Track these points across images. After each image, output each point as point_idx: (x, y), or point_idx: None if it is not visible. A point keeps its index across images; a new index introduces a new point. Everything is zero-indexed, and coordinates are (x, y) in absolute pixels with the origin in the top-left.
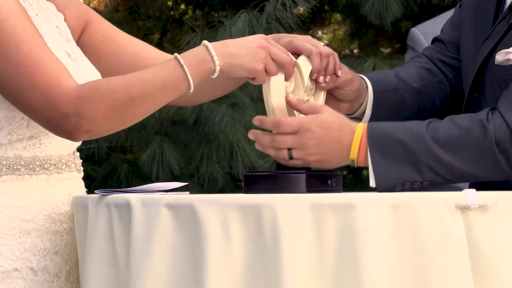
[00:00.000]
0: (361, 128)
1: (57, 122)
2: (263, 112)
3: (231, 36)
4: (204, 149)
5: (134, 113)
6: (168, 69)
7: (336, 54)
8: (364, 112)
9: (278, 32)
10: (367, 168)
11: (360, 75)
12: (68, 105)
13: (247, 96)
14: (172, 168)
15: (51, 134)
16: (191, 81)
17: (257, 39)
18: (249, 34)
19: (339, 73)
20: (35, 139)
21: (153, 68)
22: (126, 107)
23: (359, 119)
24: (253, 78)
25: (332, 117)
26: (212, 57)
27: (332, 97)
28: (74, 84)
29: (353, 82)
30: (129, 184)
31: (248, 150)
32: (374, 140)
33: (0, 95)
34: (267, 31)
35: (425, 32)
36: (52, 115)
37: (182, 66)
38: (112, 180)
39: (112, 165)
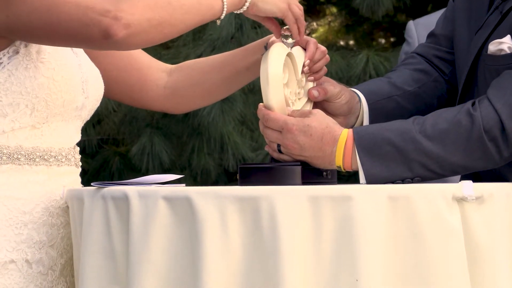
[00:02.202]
0: (344, 135)
1: (94, 21)
2: (254, 104)
3: (220, 28)
4: (195, 141)
5: (172, 17)
6: None
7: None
8: (362, 125)
9: None
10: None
11: (352, 88)
12: (104, 2)
13: None
14: (162, 161)
15: (53, 126)
16: (225, 4)
17: None
18: (237, 26)
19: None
20: (37, 129)
21: None
22: (164, 7)
23: None
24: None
25: (316, 123)
26: None
27: (325, 112)
28: None
29: (342, 95)
30: (121, 177)
31: (239, 143)
32: (362, 143)
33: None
34: (255, 23)
35: (418, 23)
36: (88, 15)
37: None
38: (104, 173)
39: (104, 157)
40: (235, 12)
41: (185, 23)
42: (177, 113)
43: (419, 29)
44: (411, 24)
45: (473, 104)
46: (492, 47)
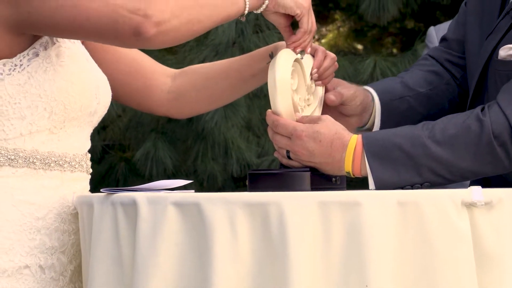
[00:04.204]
0: (354, 141)
1: (124, 18)
2: (259, 109)
3: (222, 33)
4: (199, 146)
5: (201, 13)
6: None
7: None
8: (374, 123)
9: (268, 28)
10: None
11: (365, 87)
12: (134, 0)
13: None
14: (166, 166)
15: (69, 132)
16: (247, 3)
17: None
18: (237, 30)
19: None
20: (55, 135)
21: None
22: (193, 5)
23: (369, 130)
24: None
25: (325, 129)
26: None
27: (340, 114)
28: None
29: (356, 96)
30: (126, 183)
31: (243, 148)
32: (371, 148)
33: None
34: (256, 27)
35: (439, 28)
36: (118, 12)
37: None
38: (110, 179)
39: (109, 163)
40: (255, 11)
41: (212, 19)
42: (181, 117)
43: (440, 35)
44: (432, 29)
45: (482, 109)
46: (503, 52)
